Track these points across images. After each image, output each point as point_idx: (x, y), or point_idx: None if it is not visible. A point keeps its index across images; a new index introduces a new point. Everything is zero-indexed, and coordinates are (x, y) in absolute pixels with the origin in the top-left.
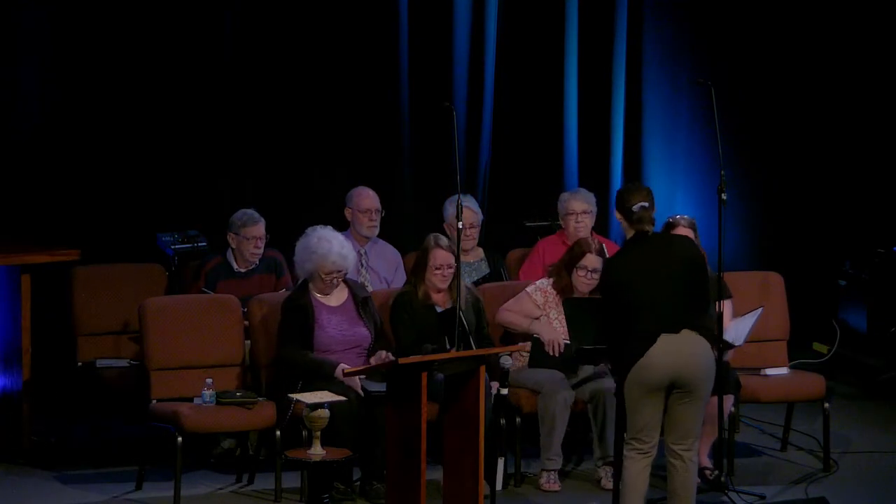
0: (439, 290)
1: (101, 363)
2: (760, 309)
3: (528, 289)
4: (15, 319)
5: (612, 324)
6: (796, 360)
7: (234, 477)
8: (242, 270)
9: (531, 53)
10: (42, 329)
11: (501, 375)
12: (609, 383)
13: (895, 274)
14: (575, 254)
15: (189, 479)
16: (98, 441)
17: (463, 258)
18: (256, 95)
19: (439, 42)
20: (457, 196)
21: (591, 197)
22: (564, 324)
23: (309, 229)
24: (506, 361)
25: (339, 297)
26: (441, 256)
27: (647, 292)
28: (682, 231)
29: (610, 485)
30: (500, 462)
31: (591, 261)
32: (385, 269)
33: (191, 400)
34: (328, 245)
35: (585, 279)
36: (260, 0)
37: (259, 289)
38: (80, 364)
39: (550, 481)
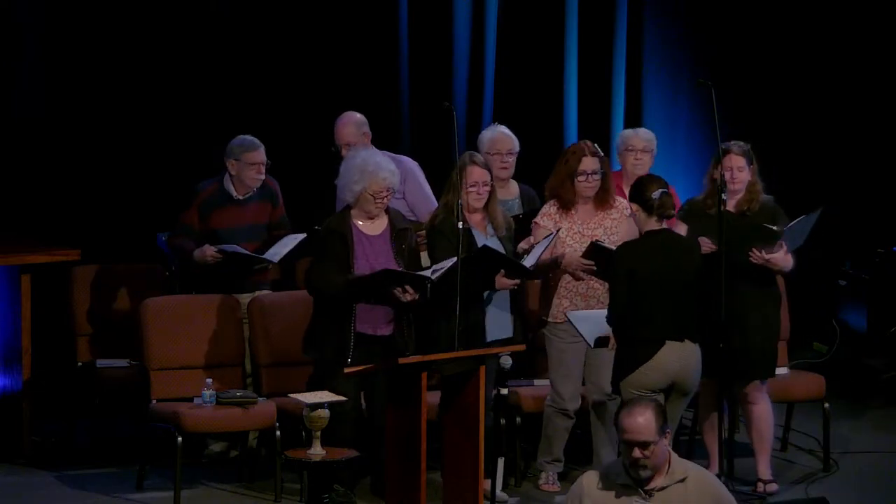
0: (475, 210)
1: (101, 363)
2: (818, 210)
3: (536, 220)
4: (15, 319)
5: (618, 310)
6: (796, 360)
7: (234, 477)
8: (241, 197)
9: (531, 53)
10: (42, 329)
11: (500, 376)
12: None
13: (895, 274)
14: (572, 163)
15: (189, 478)
16: (98, 441)
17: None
18: (257, 96)
19: (439, 42)
20: (492, 126)
21: (651, 138)
22: (575, 238)
23: (351, 152)
24: (505, 361)
25: (379, 225)
26: (476, 173)
27: (658, 296)
28: (736, 159)
29: None
30: (500, 462)
31: (589, 163)
32: None
33: (191, 400)
34: (377, 162)
35: (587, 183)
36: (260, 2)
37: (255, 217)
38: (80, 364)
39: (549, 482)
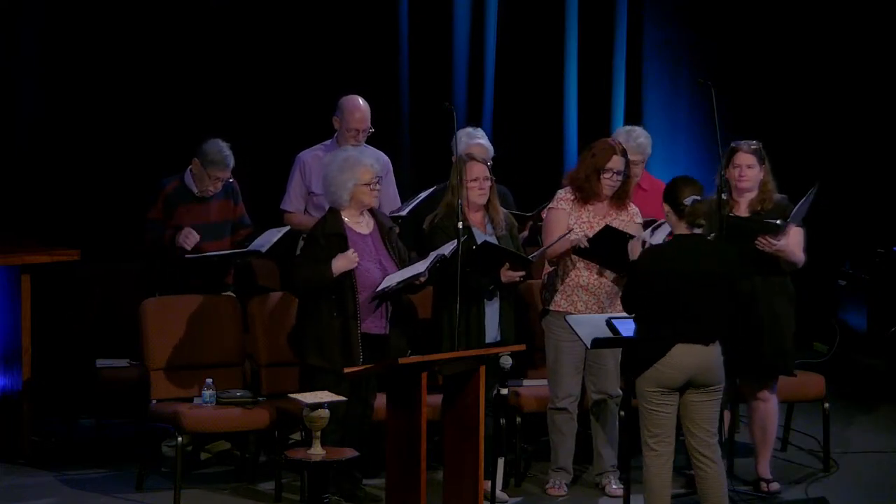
0: (478, 207)
1: (101, 363)
2: (814, 188)
3: (550, 206)
4: (15, 319)
5: (635, 308)
6: (796, 360)
7: (234, 477)
8: (203, 195)
9: (531, 53)
10: (42, 329)
11: (500, 376)
12: (613, 392)
13: (895, 274)
14: (600, 158)
15: (189, 478)
16: (98, 441)
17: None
18: (258, 96)
19: (439, 42)
20: (465, 130)
21: (644, 144)
22: (584, 228)
23: (328, 156)
24: (506, 361)
25: (367, 224)
26: (476, 169)
27: (677, 297)
28: (744, 156)
29: (616, 491)
30: (500, 462)
31: (616, 162)
32: None
33: (191, 400)
34: (359, 151)
35: (611, 181)
36: (261, 2)
37: (219, 214)
38: (80, 364)
39: (556, 486)
